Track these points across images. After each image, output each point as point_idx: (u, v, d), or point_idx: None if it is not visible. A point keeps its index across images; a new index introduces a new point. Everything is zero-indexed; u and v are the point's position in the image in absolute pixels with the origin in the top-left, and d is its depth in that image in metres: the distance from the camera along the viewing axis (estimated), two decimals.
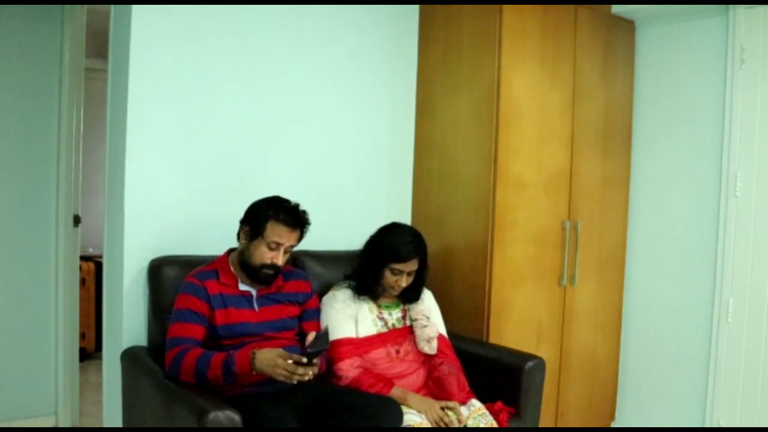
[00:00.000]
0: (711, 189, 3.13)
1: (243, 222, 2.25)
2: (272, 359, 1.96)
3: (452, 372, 2.37)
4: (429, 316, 2.48)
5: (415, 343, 2.44)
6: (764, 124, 2.96)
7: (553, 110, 3.01)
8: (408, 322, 2.48)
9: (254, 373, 1.99)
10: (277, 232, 2.17)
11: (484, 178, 2.83)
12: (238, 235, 2.26)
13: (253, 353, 1.99)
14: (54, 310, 3.31)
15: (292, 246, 2.23)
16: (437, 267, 3.01)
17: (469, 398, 2.33)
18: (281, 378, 1.95)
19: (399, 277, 2.38)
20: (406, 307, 2.51)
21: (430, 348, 2.41)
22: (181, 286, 2.21)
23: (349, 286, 2.45)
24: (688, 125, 3.23)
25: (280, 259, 2.19)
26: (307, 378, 1.97)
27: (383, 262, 2.38)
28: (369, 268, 2.41)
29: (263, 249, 2.17)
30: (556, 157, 3.04)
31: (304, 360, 1.94)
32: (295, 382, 1.96)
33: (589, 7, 3.13)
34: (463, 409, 2.25)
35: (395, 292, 2.44)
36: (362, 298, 2.43)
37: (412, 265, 2.39)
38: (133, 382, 2.30)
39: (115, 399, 2.45)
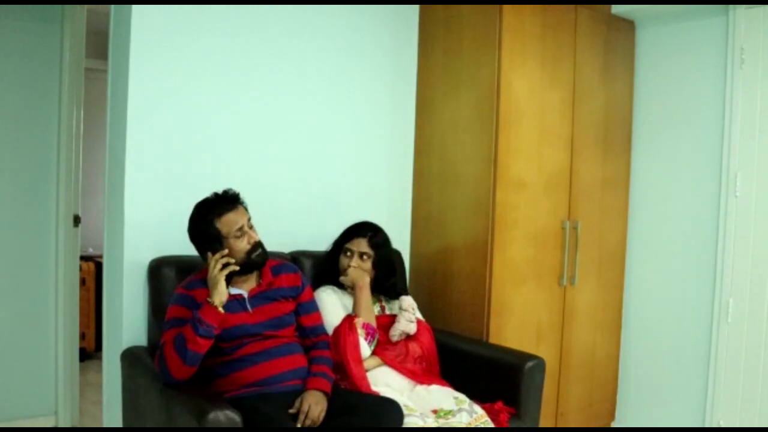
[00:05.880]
0: (711, 189, 3.13)
1: (199, 246, 2.19)
2: (209, 275, 2.06)
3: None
4: (416, 314, 2.58)
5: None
6: (764, 124, 2.96)
7: (553, 110, 3.01)
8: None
9: (215, 305, 2.03)
10: (228, 221, 2.16)
11: (484, 178, 2.83)
12: (204, 257, 2.17)
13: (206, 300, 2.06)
14: (54, 310, 3.31)
15: (250, 219, 2.23)
16: (437, 267, 3.01)
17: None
18: (220, 269, 2.05)
19: (350, 258, 2.53)
20: (383, 304, 2.60)
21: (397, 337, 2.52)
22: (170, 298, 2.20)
23: (328, 285, 2.57)
24: (688, 125, 3.23)
25: (255, 236, 2.21)
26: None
27: (339, 246, 2.59)
28: (330, 258, 2.62)
29: (235, 243, 2.15)
30: (556, 157, 3.04)
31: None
32: (231, 263, 2.07)
33: (589, 7, 3.13)
34: (465, 416, 2.22)
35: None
36: (343, 291, 2.55)
37: (360, 246, 2.54)
38: (133, 382, 2.30)
39: (115, 399, 2.46)
